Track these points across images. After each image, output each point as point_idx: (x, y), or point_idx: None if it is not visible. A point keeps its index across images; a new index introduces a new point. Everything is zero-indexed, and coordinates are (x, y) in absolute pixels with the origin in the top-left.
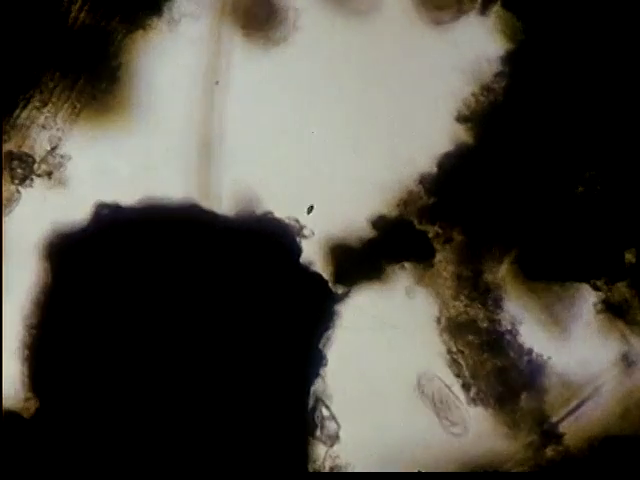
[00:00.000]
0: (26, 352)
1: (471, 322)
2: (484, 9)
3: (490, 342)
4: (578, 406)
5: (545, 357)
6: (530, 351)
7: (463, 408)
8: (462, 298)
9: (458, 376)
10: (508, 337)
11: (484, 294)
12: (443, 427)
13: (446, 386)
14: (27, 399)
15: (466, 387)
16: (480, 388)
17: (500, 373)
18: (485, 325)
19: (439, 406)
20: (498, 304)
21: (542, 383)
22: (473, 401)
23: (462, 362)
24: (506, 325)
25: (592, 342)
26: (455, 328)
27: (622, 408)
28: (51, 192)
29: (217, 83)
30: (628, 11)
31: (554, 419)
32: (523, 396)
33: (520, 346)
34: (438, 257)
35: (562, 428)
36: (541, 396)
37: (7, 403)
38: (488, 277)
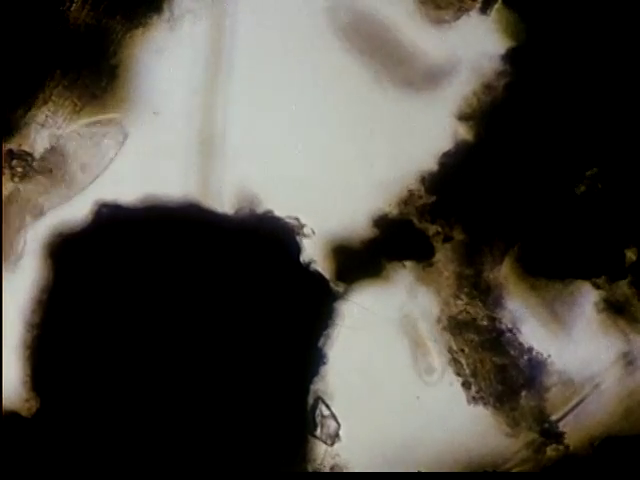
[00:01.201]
0: (26, 351)
1: (471, 320)
2: (485, 7)
3: (490, 340)
4: (578, 404)
5: (545, 355)
6: (530, 349)
7: (434, 350)
8: (462, 297)
9: (458, 374)
10: (508, 335)
11: (484, 293)
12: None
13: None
14: (27, 399)
15: (466, 385)
16: (480, 386)
17: (500, 371)
18: (485, 323)
19: (416, 351)
20: (498, 303)
21: (542, 381)
22: (473, 399)
23: (462, 360)
24: (506, 323)
25: (593, 340)
26: (455, 326)
27: (623, 406)
28: (51, 190)
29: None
30: (628, 9)
31: (554, 418)
32: (523, 394)
33: (520, 344)
34: (438, 256)
35: (562, 427)
36: (541, 394)
37: (7, 403)
38: (488, 276)
